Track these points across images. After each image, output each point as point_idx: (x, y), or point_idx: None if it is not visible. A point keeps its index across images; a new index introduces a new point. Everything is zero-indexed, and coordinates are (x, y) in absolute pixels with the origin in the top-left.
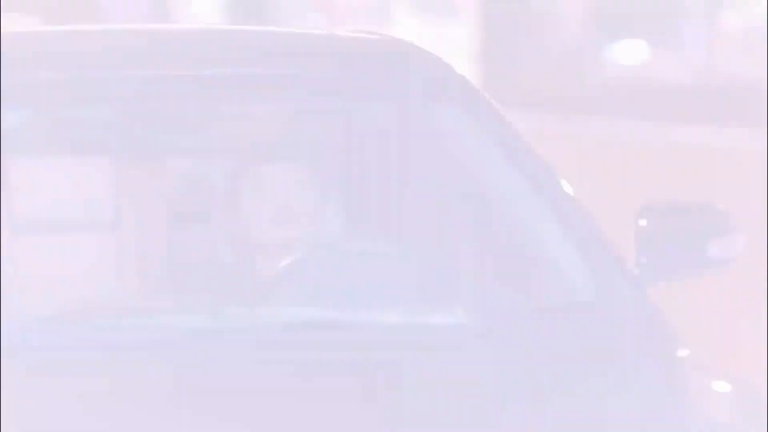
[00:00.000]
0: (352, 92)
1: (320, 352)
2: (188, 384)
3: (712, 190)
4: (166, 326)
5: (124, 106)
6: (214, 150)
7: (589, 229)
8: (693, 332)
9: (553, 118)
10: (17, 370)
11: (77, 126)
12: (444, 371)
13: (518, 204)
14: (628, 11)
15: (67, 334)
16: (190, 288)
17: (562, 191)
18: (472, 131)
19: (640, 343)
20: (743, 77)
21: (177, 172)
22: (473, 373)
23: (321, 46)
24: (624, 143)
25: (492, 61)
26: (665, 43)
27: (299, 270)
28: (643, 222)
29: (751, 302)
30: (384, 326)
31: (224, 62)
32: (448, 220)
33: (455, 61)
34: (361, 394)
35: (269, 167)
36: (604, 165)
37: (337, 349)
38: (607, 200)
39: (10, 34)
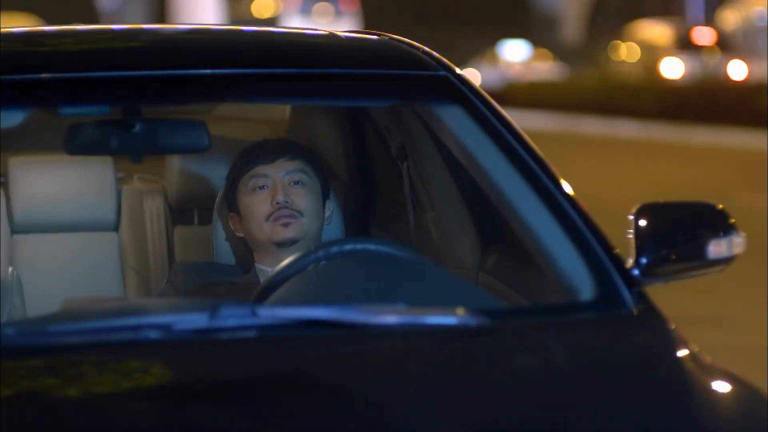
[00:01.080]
0: (352, 92)
1: (320, 352)
2: (188, 384)
3: None
4: (166, 326)
5: (124, 106)
6: (214, 150)
7: (589, 229)
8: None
9: None
10: (17, 370)
11: (77, 126)
12: (444, 372)
13: (518, 204)
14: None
15: (66, 334)
16: (191, 288)
17: (562, 191)
18: (472, 131)
19: (639, 344)
20: None
21: (177, 172)
22: (473, 374)
23: (321, 46)
24: None
25: None
26: None
27: (299, 270)
28: (643, 222)
29: None
30: (384, 326)
31: (224, 62)
32: (448, 219)
33: None
34: (360, 394)
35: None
36: None
37: (337, 348)
38: None
39: (10, 34)
